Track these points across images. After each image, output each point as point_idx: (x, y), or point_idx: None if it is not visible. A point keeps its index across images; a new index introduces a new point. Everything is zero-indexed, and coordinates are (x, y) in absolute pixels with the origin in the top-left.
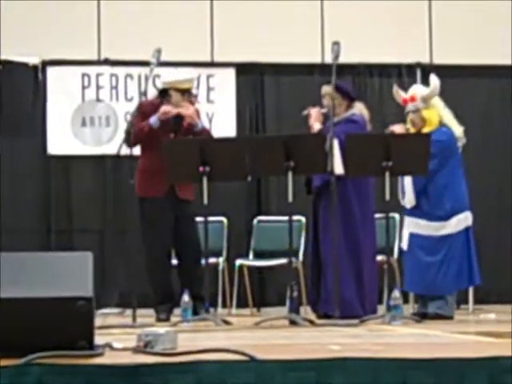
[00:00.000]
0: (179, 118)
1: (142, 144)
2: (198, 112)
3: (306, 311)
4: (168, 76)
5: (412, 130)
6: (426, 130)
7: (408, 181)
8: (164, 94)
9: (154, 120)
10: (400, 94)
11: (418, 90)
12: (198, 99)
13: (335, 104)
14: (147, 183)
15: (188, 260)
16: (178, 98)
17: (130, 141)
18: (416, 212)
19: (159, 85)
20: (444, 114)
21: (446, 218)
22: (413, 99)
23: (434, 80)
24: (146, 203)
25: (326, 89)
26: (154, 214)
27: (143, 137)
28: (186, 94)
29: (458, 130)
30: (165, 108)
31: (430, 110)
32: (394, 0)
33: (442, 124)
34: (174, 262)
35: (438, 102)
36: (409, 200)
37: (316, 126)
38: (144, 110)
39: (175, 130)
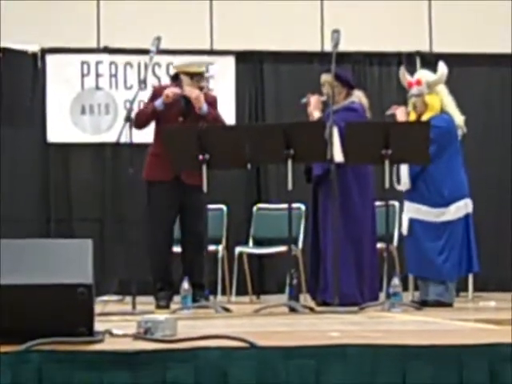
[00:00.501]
0: (188, 101)
1: (155, 128)
2: (214, 99)
3: (306, 299)
4: (180, 60)
5: (413, 114)
6: (427, 115)
7: (403, 164)
8: (176, 78)
9: (158, 102)
10: (406, 77)
11: (424, 74)
12: (207, 84)
13: (335, 92)
14: (155, 167)
15: (189, 248)
16: (187, 82)
17: (136, 123)
18: (416, 197)
19: (159, 72)
20: (447, 102)
21: (446, 204)
22: (418, 83)
23: (442, 67)
24: (152, 187)
25: (326, 77)
26: (158, 198)
27: (147, 118)
28: (196, 77)
29: (459, 118)
30: (167, 90)
31: (434, 95)
32: None
33: (443, 111)
34: (178, 249)
35: (442, 89)
36: (404, 183)
37: (316, 114)
38: (157, 94)
39: (185, 113)
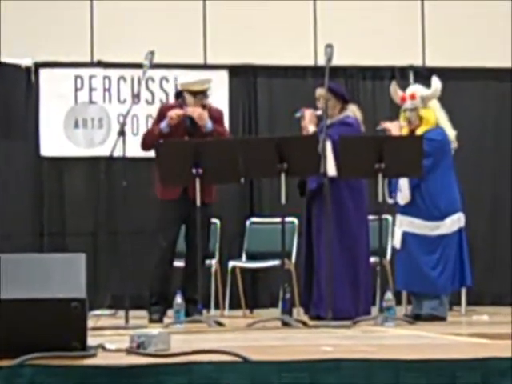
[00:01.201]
0: (193, 120)
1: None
2: (220, 114)
3: (299, 313)
4: (184, 78)
5: (406, 128)
6: (422, 128)
7: (404, 177)
8: (180, 95)
9: (163, 125)
10: (398, 92)
11: (418, 89)
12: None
13: (329, 106)
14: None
15: (191, 262)
16: (190, 100)
17: (143, 145)
18: (411, 211)
19: (152, 86)
20: (440, 116)
21: (441, 218)
22: (412, 97)
23: (436, 82)
24: (161, 205)
25: (321, 91)
26: (165, 213)
27: (153, 140)
28: (198, 96)
29: (451, 133)
30: (171, 113)
31: (428, 110)
32: (387, 1)
33: (437, 125)
34: (178, 264)
35: (435, 103)
36: (404, 196)
37: (311, 128)
38: (164, 113)
39: (190, 132)
